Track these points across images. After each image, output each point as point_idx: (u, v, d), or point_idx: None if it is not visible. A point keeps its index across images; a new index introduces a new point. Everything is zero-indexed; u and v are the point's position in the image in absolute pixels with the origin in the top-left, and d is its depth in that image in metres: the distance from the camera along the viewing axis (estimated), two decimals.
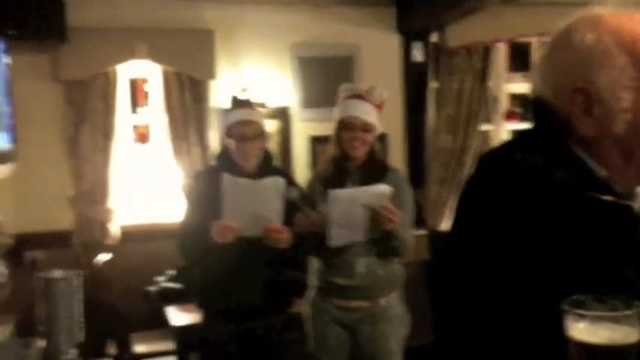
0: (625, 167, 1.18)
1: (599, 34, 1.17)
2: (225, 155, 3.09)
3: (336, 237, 2.90)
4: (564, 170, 1.15)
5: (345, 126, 3.01)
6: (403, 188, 3.08)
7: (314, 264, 3.16)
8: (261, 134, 3.06)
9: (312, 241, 2.99)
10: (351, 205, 2.86)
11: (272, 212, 2.88)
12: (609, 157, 1.17)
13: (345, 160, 3.06)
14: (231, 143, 3.04)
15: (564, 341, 0.94)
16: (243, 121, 3.02)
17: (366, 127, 3.01)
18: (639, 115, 1.16)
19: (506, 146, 1.33)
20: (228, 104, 3.19)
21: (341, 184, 2.99)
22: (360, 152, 3.02)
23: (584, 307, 0.93)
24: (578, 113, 1.19)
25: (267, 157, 3.14)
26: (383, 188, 2.89)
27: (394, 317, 3.09)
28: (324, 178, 3.07)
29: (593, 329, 0.91)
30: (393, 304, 3.10)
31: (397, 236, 2.94)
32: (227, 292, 2.96)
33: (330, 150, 3.12)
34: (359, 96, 3.05)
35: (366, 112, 3.02)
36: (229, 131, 3.04)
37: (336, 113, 3.09)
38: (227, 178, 2.85)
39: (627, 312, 0.90)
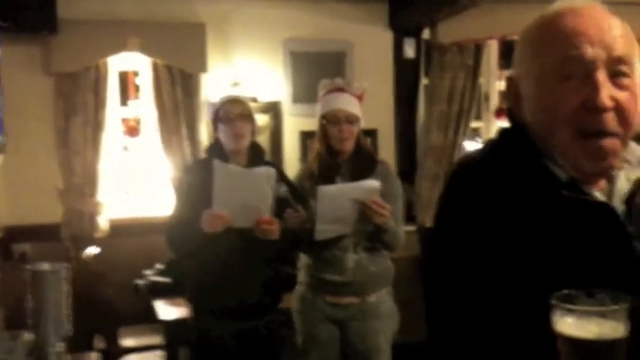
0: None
1: (531, 26, 1.21)
2: (215, 147, 3.07)
3: (324, 231, 2.89)
4: (537, 170, 1.16)
5: (330, 120, 3.00)
6: (392, 181, 3.08)
7: (302, 259, 3.15)
8: (249, 115, 3.04)
9: (303, 237, 2.98)
10: (340, 200, 2.85)
11: (263, 202, 2.85)
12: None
13: (333, 155, 3.04)
14: (221, 128, 3.01)
15: (550, 337, 0.95)
16: (229, 100, 3.04)
17: (350, 119, 3.00)
18: (539, 103, 1.17)
19: (487, 146, 1.34)
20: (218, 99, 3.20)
21: (330, 180, 2.98)
22: (348, 146, 3.01)
23: (572, 301, 0.93)
24: (509, 102, 1.24)
25: (257, 150, 3.12)
26: (373, 184, 2.88)
27: (384, 313, 3.09)
28: (313, 175, 3.06)
29: (581, 324, 0.91)
30: (383, 300, 3.09)
31: (388, 230, 2.94)
32: (223, 290, 2.93)
33: (316, 146, 3.10)
34: (339, 89, 3.05)
35: (349, 104, 3.01)
36: (217, 115, 3.02)
37: (319, 109, 3.08)
38: (218, 165, 2.82)
39: (615, 307, 0.91)
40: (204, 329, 3.03)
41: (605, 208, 1.16)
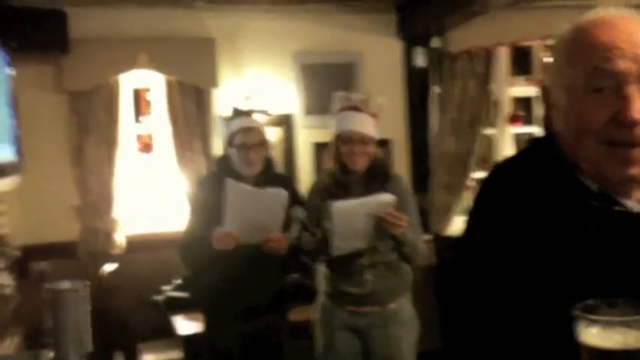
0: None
1: (563, 34, 1.19)
2: (225, 162, 3.10)
3: (340, 247, 2.88)
4: (567, 181, 1.16)
5: (344, 141, 2.97)
6: (407, 195, 3.06)
7: (323, 270, 3.14)
8: (263, 142, 3.07)
9: (319, 256, 3.01)
10: (355, 216, 2.84)
11: (273, 222, 2.90)
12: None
13: (346, 174, 3.02)
14: (233, 152, 3.05)
15: (574, 348, 0.94)
16: (244, 129, 3.04)
17: (365, 140, 2.97)
18: (569, 114, 1.16)
19: (519, 154, 1.34)
20: (230, 113, 3.21)
21: (344, 197, 2.95)
22: (361, 165, 2.99)
23: (595, 312, 0.92)
24: (543, 109, 1.23)
25: (268, 163, 3.14)
26: (386, 197, 2.86)
27: (405, 320, 3.07)
28: (326, 192, 3.02)
29: (606, 334, 0.90)
30: (404, 307, 3.08)
31: (407, 242, 2.93)
32: (233, 299, 2.98)
33: (329, 163, 3.08)
34: (355, 107, 3.00)
35: (364, 125, 2.97)
36: (231, 140, 3.05)
37: (333, 126, 3.05)
38: (231, 184, 2.87)
39: (639, 317, 0.90)
40: (214, 338, 3.08)
41: (638, 219, 1.15)
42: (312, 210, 3.03)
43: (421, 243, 3.05)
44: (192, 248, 2.98)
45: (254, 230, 2.87)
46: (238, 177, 2.98)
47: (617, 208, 1.14)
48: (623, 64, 1.10)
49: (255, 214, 2.87)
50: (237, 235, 2.84)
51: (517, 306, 1.11)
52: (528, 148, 1.30)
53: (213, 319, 3.12)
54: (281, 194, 2.90)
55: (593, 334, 0.91)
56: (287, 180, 3.20)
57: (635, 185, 1.17)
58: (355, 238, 2.88)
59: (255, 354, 3.07)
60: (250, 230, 2.86)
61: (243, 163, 3.01)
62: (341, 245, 2.87)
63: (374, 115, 3.02)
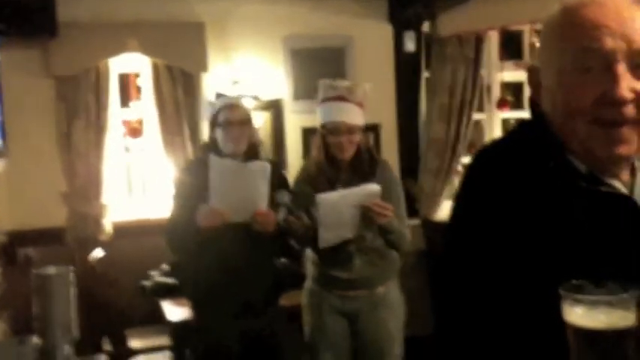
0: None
1: (552, 15, 1.19)
2: (211, 146, 3.08)
3: (327, 239, 2.89)
4: (555, 161, 1.15)
5: (331, 131, 2.97)
6: (393, 182, 3.07)
7: (310, 254, 3.14)
8: (247, 120, 3.05)
9: (306, 241, 3.00)
10: (341, 207, 2.85)
11: (259, 196, 2.88)
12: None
13: (333, 163, 3.02)
14: (219, 132, 3.02)
15: (563, 329, 0.94)
16: (227, 106, 3.04)
17: (352, 130, 2.97)
18: (558, 94, 1.16)
19: (505, 137, 1.33)
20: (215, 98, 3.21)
21: (331, 187, 2.97)
22: (348, 154, 3.00)
23: (582, 291, 0.92)
24: (531, 90, 1.23)
25: (254, 146, 3.13)
26: (373, 188, 2.87)
27: (392, 303, 3.10)
28: (314, 182, 3.03)
29: (590, 314, 0.91)
30: (391, 291, 3.11)
31: (393, 230, 2.94)
32: (226, 291, 2.93)
33: (315, 154, 3.08)
34: (340, 97, 2.98)
35: (350, 115, 2.97)
36: (215, 119, 3.04)
37: (319, 116, 3.04)
38: (214, 160, 2.86)
39: (623, 295, 0.90)
40: (207, 331, 3.04)
41: (626, 200, 1.15)
42: (298, 196, 3.02)
43: (407, 231, 3.06)
44: (178, 232, 2.94)
45: (240, 206, 2.85)
46: (223, 157, 2.96)
47: (604, 189, 1.14)
48: (611, 43, 1.10)
49: (240, 190, 2.85)
50: (224, 212, 2.82)
51: (506, 288, 1.11)
52: (515, 130, 1.30)
53: (207, 316, 3.06)
54: (264, 167, 2.90)
55: (578, 314, 0.92)
56: (274, 165, 3.18)
57: (624, 165, 1.18)
58: (341, 229, 2.89)
59: (253, 353, 3.05)
60: (236, 207, 2.84)
61: (228, 141, 2.99)
62: (328, 237, 2.88)
63: (360, 105, 3.00)
